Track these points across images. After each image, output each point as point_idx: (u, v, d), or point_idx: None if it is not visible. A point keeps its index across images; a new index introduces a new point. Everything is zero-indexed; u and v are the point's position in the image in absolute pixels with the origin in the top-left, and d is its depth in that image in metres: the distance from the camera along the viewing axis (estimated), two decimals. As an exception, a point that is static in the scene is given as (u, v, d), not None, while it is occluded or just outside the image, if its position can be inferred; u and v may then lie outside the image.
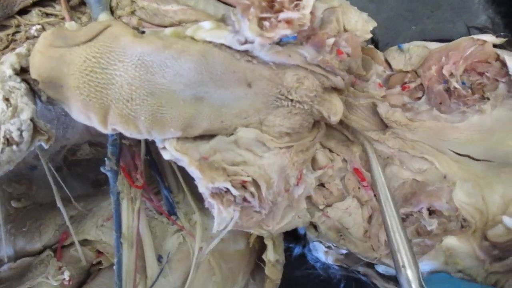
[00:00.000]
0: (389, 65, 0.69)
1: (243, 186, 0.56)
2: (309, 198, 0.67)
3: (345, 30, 0.59)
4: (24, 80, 0.51)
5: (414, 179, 0.66)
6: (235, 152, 0.56)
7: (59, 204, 0.65)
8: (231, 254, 0.73)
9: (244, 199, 0.56)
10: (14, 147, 0.49)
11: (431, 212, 0.66)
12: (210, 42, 0.53)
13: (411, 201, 0.66)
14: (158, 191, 0.71)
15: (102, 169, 0.60)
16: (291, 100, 0.57)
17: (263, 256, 0.72)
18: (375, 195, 0.65)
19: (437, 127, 0.66)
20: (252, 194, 0.56)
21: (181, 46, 0.52)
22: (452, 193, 0.64)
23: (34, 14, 0.62)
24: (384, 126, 0.69)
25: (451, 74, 0.64)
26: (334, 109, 0.59)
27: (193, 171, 0.54)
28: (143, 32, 0.57)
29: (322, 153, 0.66)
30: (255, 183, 0.56)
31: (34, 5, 0.63)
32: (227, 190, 0.55)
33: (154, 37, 0.53)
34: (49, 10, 0.63)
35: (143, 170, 0.62)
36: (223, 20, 0.56)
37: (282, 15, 0.52)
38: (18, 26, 0.61)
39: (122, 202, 0.61)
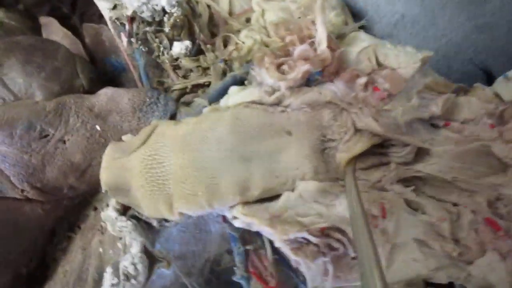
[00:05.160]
0: (501, 99, 0.64)
1: (325, 234, 0.53)
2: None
3: (383, 67, 0.57)
4: (133, 217, 0.58)
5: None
6: (305, 206, 0.54)
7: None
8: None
9: (331, 248, 0.53)
10: (133, 280, 0.53)
11: None
12: (241, 104, 0.55)
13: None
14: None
15: (234, 278, 0.62)
16: (331, 140, 0.56)
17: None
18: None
19: None
20: (339, 240, 0.52)
21: (214, 117, 0.55)
22: None
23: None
24: (503, 166, 0.61)
25: None
26: (350, 151, 0.55)
27: (264, 229, 0.53)
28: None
29: (432, 206, 0.59)
30: (338, 229, 0.53)
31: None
32: (308, 242, 0.52)
33: (190, 118, 0.56)
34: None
35: (274, 270, 0.64)
36: (249, 82, 0.58)
37: (296, 52, 0.52)
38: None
39: (262, 305, 0.62)
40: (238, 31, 0.74)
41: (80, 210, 0.74)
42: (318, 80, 0.56)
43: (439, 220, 0.58)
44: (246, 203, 0.55)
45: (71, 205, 0.72)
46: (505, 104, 0.62)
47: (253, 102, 0.56)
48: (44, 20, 0.88)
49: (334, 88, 0.56)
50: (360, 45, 0.58)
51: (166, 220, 0.59)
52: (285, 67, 0.55)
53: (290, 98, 0.55)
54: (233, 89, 0.58)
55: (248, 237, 0.63)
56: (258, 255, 0.64)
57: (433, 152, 0.60)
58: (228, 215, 0.56)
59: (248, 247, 0.63)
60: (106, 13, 0.71)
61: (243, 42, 0.71)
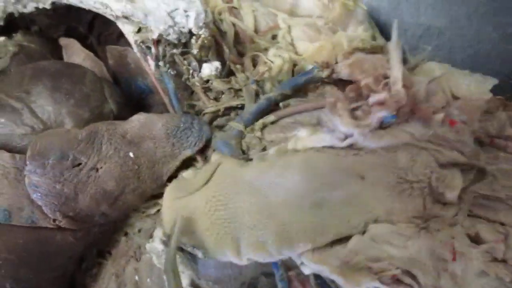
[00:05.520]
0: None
1: (396, 281, 0.52)
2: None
3: (456, 97, 0.56)
4: (178, 248, 0.56)
5: None
6: (376, 249, 0.53)
7: None
8: None
9: None
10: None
11: None
12: (311, 149, 0.54)
13: None
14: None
15: (278, 305, 0.62)
16: (409, 182, 0.54)
17: None
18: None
19: None
20: (409, 285, 0.51)
21: (283, 162, 0.54)
22: None
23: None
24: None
25: None
26: (451, 185, 0.54)
27: (336, 278, 0.51)
28: (251, 159, 0.60)
29: (486, 229, 0.58)
30: (408, 273, 0.52)
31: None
32: None
33: (257, 162, 0.56)
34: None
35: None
36: (318, 124, 0.57)
37: (371, 99, 0.51)
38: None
39: (305, 330, 0.61)
40: (266, 49, 0.73)
41: (110, 236, 0.73)
42: (392, 122, 0.55)
43: (496, 242, 0.57)
44: (316, 248, 0.54)
45: (101, 231, 0.71)
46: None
47: (325, 147, 0.55)
48: (64, 41, 0.86)
49: (411, 130, 0.55)
50: (430, 75, 0.57)
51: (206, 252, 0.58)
52: (358, 112, 0.54)
53: (364, 142, 0.54)
54: (302, 132, 0.57)
55: (290, 262, 0.62)
56: (300, 280, 0.63)
57: (488, 171, 0.60)
58: (297, 261, 0.55)
59: (290, 273, 0.62)
60: (131, 37, 0.70)
61: (272, 61, 0.70)
